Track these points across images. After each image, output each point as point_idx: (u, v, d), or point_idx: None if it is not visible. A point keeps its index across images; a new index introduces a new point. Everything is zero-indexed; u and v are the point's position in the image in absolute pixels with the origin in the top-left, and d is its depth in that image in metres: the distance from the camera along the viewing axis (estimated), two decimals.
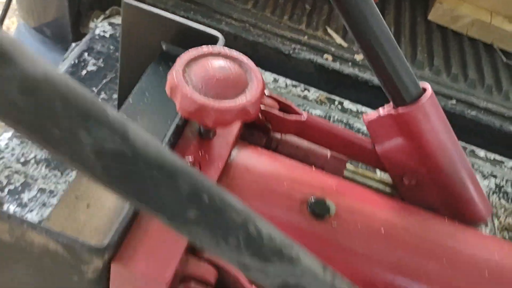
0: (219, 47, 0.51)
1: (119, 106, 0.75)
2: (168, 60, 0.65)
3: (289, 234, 0.33)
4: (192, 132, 0.55)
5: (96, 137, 0.24)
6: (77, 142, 0.24)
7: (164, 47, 0.66)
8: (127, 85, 0.68)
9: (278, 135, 0.68)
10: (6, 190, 0.95)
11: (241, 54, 0.52)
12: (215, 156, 0.54)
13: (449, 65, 1.62)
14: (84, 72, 1.19)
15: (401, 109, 0.60)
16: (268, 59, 1.47)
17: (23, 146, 1.02)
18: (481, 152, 1.43)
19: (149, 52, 0.66)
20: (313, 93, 1.41)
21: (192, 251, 0.49)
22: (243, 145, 0.59)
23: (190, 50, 0.50)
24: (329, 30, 1.57)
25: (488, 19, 1.72)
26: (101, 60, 1.23)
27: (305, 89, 1.42)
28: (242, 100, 0.48)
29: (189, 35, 0.64)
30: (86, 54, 1.23)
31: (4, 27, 2.22)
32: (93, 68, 1.21)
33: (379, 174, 0.73)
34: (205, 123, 0.47)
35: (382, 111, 0.63)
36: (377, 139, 0.66)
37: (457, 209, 0.66)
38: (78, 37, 1.39)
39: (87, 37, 1.27)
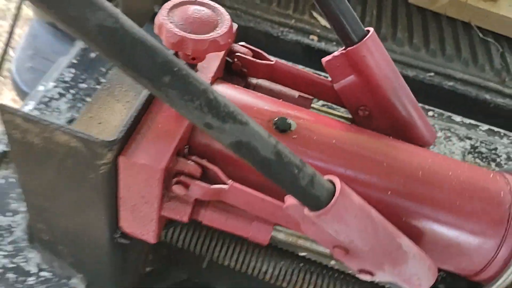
0: (202, 0, 0.66)
1: None
2: None
3: None
4: None
5: (98, 17, 0.39)
6: (84, 19, 0.39)
7: (156, 9, 0.81)
8: None
9: (254, 80, 0.83)
10: None
11: (215, 3, 0.67)
12: None
13: (428, 42, 1.75)
14: (93, 55, 1.35)
15: (350, 49, 0.75)
16: (259, 42, 1.61)
17: (43, 115, 1.17)
18: (458, 118, 1.55)
19: (145, 16, 0.81)
20: None
21: (180, 154, 0.64)
22: (221, 82, 0.73)
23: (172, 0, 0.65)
24: (315, 14, 1.71)
25: None
26: None
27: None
28: (214, 34, 0.62)
29: None
30: None
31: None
32: None
33: (341, 111, 0.87)
34: (185, 52, 0.62)
35: (336, 52, 0.77)
36: (334, 78, 0.80)
37: (405, 134, 0.80)
38: None
39: None
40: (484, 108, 1.64)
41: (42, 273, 0.94)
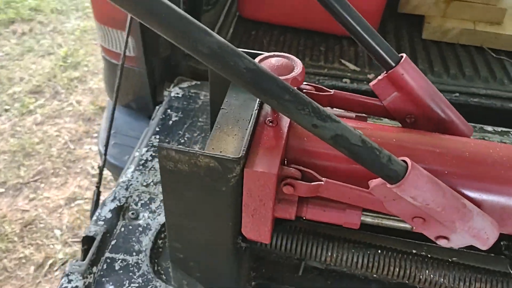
0: (276, 53, 0.91)
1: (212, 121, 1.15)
2: None
3: None
4: (267, 108, 0.94)
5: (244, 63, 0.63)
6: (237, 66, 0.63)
7: None
8: (218, 100, 1.09)
9: None
10: (139, 204, 1.35)
11: (290, 54, 0.92)
12: (283, 116, 0.92)
13: (447, 68, 1.98)
14: (170, 122, 1.62)
15: (390, 71, 0.98)
16: None
17: (143, 174, 1.42)
18: (489, 128, 1.74)
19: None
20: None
21: (283, 163, 0.86)
22: None
23: (260, 56, 0.91)
24: (343, 61, 1.98)
25: (472, 27, 2.10)
26: (180, 112, 1.66)
27: None
28: (293, 74, 0.86)
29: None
30: (169, 110, 1.67)
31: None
32: (176, 118, 1.64)
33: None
34: None
35: (380, 77, 1.00)
36: (382, 97, 1.02)
37: (447, 131, 1.00)
38: (156, 104, 1.84)
39: (166, 99, 1.72)
40: (510, 116, 1.83)
41: None
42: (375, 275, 1.20)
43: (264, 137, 0.87)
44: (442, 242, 0.85)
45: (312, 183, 0.84)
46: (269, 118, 0.91)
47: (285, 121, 0.91)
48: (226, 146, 0.89)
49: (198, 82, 1.83)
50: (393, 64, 0.98)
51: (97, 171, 3.00)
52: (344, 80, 1.88)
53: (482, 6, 2.11)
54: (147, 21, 0.63)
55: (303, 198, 0.89)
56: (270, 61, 0.90)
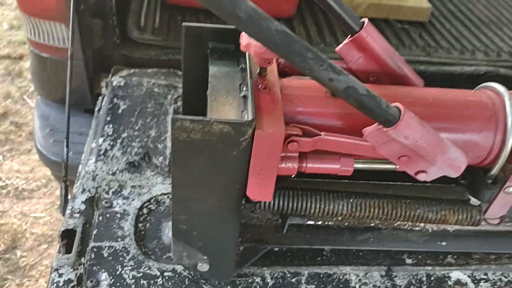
0: None
1: (184, 93, 1.18)
2: (216, 52, 1.10)
3: None
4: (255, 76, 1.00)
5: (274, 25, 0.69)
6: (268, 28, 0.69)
7: (210, 45, 1.10)
8: (191, 74, 1.12)
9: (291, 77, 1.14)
10: (110, 192, 1.33)
11: None
12: (272, 82, 0.99)
13: None
14: (119, 111, 1.60)
15: (355, 35, 1.09)
16: None
17: (106, 164, 1.40)
18: None
19: (200, 51, 1.10)
20: None
21: (286, 123, 0.93)
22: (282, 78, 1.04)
23: None
24: None
25: (378, 1, 2.32)
26: (127, 100, 1.64)
27: None
28: None
29: (225, 34, 1.10)
30: (115, 99, 1.64)
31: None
32: (125, 107, 1.62)
33: None
34: (264, 57, 0.93)
35: (345, 41, 1.11)
36: (348, 60, 1.13)
37: (404, 85, 1.15)
38: (93, 97, 1.79)
39: (109, 88, 1.68)
40: (422, 77, 2.07)
41: (165, 273, 1.16)
42: (346, 223, 1.33)
43: (263, 101, 0.94)
44: (420, 176, 0.99)
45: (313, 138, 0.92)
46: (261, 85, 0.98)
47: (276, 87, 0.99)
48: (227, 114, 0.94)
49: (136, 70, 1.82)
50: (357, 29, 1.09)
51: (5, 183, 2.80)
52: (337, 47, 1.98)
53: None
54: None
55: (302, 154, 0.97)
56: None
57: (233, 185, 0.95)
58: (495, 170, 1.06)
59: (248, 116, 0.88)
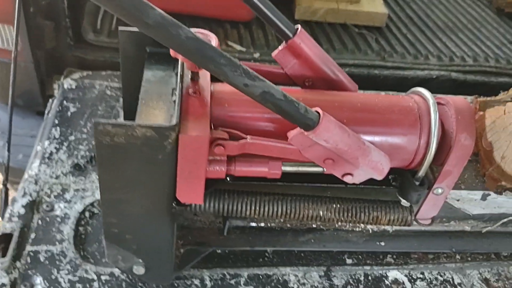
0: (193, 29, 1.00)
1: (124, 97, 1.19)
2: (153, 56, 1.11)
3: None
4: (187, 81, 1.01)
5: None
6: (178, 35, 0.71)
7: (148, 49, 1.11)
8: (130, 79, 1.13)
9: None
10: (52, 196, 1.32)
11: (206, 31, 1.01)
12: (204, 87, 1.00)
13: (320, 44, 2.20)
14: (68, 113, 1.59)
15: (289, 41, 1.11)
16: None
17: (50, 167, 1.39)
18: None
19: (138, 55, 1.11)
20: None
21: (213, 127, 0.95)
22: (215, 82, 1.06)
23: None
24: (230, 43, 2.10)
25: (336, 6, 2.36)
26: (77, 103, 1.64)
27: None
28: None
29: None
30: (65, 102, 1.63)
31: None
32: (74, 109, 1.61)
33: None
34: (189, 66, 0.95)
35: (280, 47, 1.14)
36: (283, 65, 1.16)
37: (338, 90, 1.18)
38: (45, 99, 1.78)
39: (60, 91, 1.68)
40: (376, 81, 2.12)
41: (103, 277, 1.17)
42: (289, 225, 1.36)
43: (191, 106, 0.95)
44: (347, 179, 1.02)
45: (239, 142, 0.94)
46: (191, 89, 0.99)
47: (207, 91, 1.00)
48: (156, 118, 0.95)
49: (90, 72, 1.81)
50: (291, 35, 1.12)
51: None
52: (273, 52, 2.00)
53: None
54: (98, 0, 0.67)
55: (231, 157, 0.99)
56: None
57: (162, 188, 0.96)
58: (421, 172, 1.09)
59: (172, 120, 0.89)
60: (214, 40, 0.98)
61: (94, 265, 1.19)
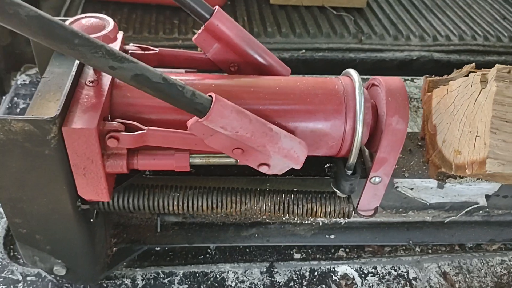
0: (87, 14, 0.93)
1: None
2: None
3: None
4: (89, 71, 0.95)
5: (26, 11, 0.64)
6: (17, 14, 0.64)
7: None
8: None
9: None
10: None
11: (103, 15, 0.94)
12: (105, 76, 0.94)
13: (294, 29, 2.11)
14: (18, 110, 1.56)
15: (206, 24, 1.04)
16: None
17: None
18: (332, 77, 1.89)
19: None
20: None
21: (106, 119, 0.88)
22: None
23: (70, 19, 0.92)
24: (196, 31, 2.02)
25: None
26: (28, 99, 1.60)
27: None
28: (104, 32, 0.89)
29: None
30: (15, 98, 1.60)
31: None
32: (24, 105, 1.58)
33: None
34: None
35: (199, 30, 1.06)
36: (205, 50, 1.08)
37: (267, 74, 1.09)
38: (4, 95, 1.75)
39: (13, 87, 1.64)
40: (352, 65, 2.01)
41: (28, 278, 1.12)
42: (232, 220, 1.29)
43: (84, 96, 0.89)
44: (264, 169, 0.94)
45: (135, 133, 0.88)
46: (90, 79, 0.93)
47: (107, 80, 0.94)
48: (48, 111, 0.89)
49: None
50: (208, 17, 1.04)
51: None
52: (199, 49, 1.93)
53: None
54: None
55: (133, 151, 0.92)
56: (80, 22, 0.91)
57: (59, 186, 0.90)
58: (351, 160, 1.00)
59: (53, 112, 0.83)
60: (110, 25, 0.92)
61: (22, 266, 1.15)
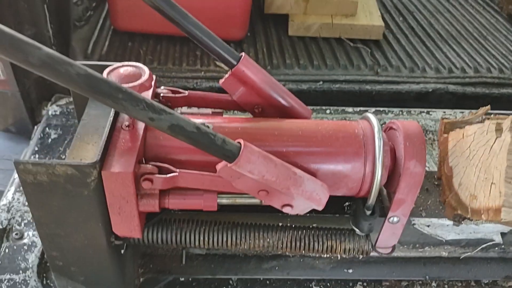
0: (124, 63, 1.00)
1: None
2: None
3: None
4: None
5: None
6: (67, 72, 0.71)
7: None
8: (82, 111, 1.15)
9: (178, 110, 1.16)
10: (22, 224, 1.36)
11: (138, 63, 1.01)
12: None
13: (312, 60, 2.18)
14: (49, 140, 1.64)
15: (233, 69, 1.10)
16: None
17: (24, 195, 1.43)
18: (349, 109, 1.95)
19: None
20: None
21: (141, 162, 0.95)
22: None
23: (108, 68, 0.99)
24: (218, 63, 2.10)
25: (330, 20, 2.32)
26: (59, 129, 1.68)
27: None
28: (141, 81, 0.96)
29: None
30: (47, 128, 1.68)
31: None
32: (55, 136, 1.66)
33: None
34: None
35: (226, 75, 1.13)
36: (231, 93, 1.15)
37: (289, 116, 1.15)
38: (35, 124, 1.84)
39: (44, 118, 1.73)
40: (368, 97, 2.07)
41: None
42: (253, 252, 1.33)
43: (121, 140, 0.95)
44: (287, 210, 0.99)
45: (168, 175, 0.94)
46: (126, 123, 1.00)
47: (141, 124, 1.00)
48: (87, 153, 0.96)
49: None
50: (235, 63, 1.10)
51: None
52: (220, 80, 2.00)
53: (337, 1, 2.34)
54: None
55: (164, 191, 0.98)
56: (119, 71, 0.98)
57: (95, 223, 0.97)
58: (370, 201, 1.05)
59: (94, 157, 0.90)
60: (145, 74, 0.99)
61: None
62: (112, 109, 1.01)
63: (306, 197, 0.96)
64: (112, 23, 2.24)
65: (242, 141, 0.88)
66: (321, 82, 2.06)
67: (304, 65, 2.14)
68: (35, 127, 1.75)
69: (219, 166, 0.91)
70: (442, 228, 1.27)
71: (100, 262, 1.05)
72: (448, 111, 1.96)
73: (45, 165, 0.87)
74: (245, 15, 2.23)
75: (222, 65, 2.11)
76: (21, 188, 1.46)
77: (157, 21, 2.21)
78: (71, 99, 1.84)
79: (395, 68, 2.18)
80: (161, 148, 1.00)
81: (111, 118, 0.98)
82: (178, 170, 0.94)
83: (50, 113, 1.75)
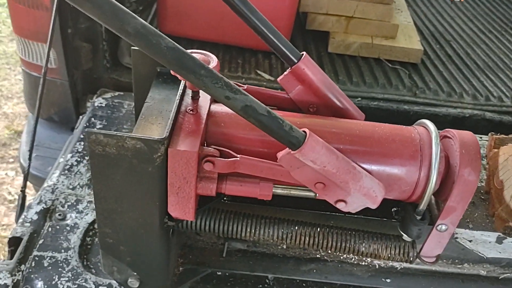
0: (194, 50, 1.04)
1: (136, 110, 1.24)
2: (162, 75, 1.16)
3: None
4: (188, 100, 1.05)
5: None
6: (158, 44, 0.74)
7: (158, 69, 1.16)
8: (141, 96, 1.18)
9: None
10: (66, 206, 1.38)
11: (208, 52, 1.05)
12: (202, 106, 1.04)
13: (351, 77, 2.21)
14: (94, 130, 1.67)
15: (293, 67, 1.13)
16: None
17: (69, 178, 1.46)
18: None
19: (150, 74, 1.16)
20: None
21: (203, 145, 0.97)
22: (215, 102, 1.09)
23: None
24: (259, 72, 2.14)
25: (370, 41, 2.36)
26: (104, 121, 1.72)
27: None
28: (211, 66, 0.99)
29: None
30: (93, 119, 1.72)
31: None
32: (100, 126, 1.69)
33: None
34: (189, 86, 0.99)
35: (285, 72, 1.15)
36: (288, 90, 1.17)
37: (343, 117, 1.17)
38: (79, 116, 1.88)
39: (90, 108, 1.77)
40: (406, 117, 2.08)
41: (100, 287, 1.19)
42: (292, 253, 1.34)
43: (186, 123, 0.98)
44: (340, 205, 1.00)
45: (229, 159, 0.96)
46: (190, 107, 1.02)
47: (204, 110, 1.03)
48: (151, 132, 0.99)
49: (122, 93, 1.90)
50: (296, 61, 1.13)
51: (14, 197, 2.92)
52: (278, 78, 2.04)
53: (378, 23, 2.38)
54: (81, 6, 0.71)
55: (222, 175, 1.00)
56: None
57: (153, 201, 0.98)
58: (422, 206, 1.05)
59: (164, 134, 0.92)
60: (214, 61, 1.02)
61: (94, 275, 1.22)
62: (178, 93, 1.04)
63: (363, 193, 0.97)
64: (158, 26, 2.30)
65: (307, 130, 0.90)
66: (359, 99, 2.08)
67: (343, 81, 2.17)
68: (80, 116, 1.79)
69: (280, 154, 0.93)
70: (484, 244, 1.26)
71: (149, 243, 1.06)
72: (484, 137, 1.96)
73: (116, 137, 0.89)
74: (288, 30, 2.28)
75: (263, 73, 2.15)
76: (66, 172, 1.49)
77: (204, 28, 2.29)
78: (116, 93, 1.89)
79: (433, 91, 2.19)
80: (222, 136, 1.03)
81: (177, 101, 1.01)
82: (239, 155, 0.96)
83: (96, 104, 1.79)
